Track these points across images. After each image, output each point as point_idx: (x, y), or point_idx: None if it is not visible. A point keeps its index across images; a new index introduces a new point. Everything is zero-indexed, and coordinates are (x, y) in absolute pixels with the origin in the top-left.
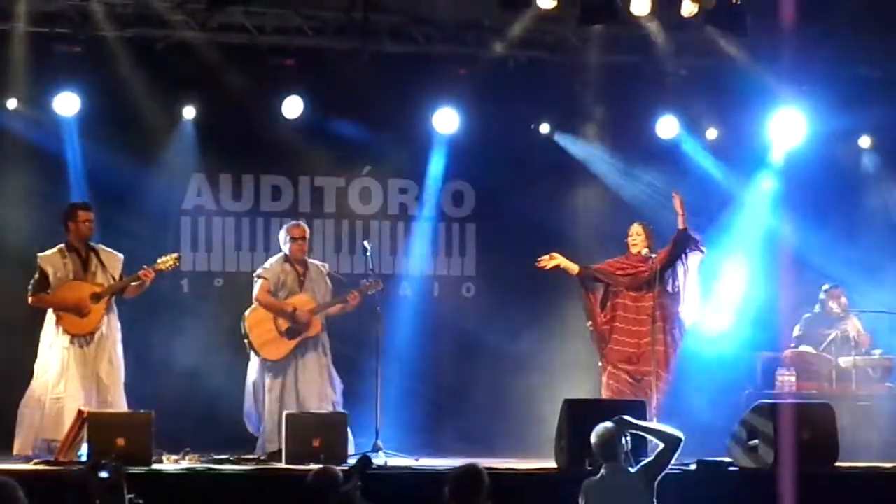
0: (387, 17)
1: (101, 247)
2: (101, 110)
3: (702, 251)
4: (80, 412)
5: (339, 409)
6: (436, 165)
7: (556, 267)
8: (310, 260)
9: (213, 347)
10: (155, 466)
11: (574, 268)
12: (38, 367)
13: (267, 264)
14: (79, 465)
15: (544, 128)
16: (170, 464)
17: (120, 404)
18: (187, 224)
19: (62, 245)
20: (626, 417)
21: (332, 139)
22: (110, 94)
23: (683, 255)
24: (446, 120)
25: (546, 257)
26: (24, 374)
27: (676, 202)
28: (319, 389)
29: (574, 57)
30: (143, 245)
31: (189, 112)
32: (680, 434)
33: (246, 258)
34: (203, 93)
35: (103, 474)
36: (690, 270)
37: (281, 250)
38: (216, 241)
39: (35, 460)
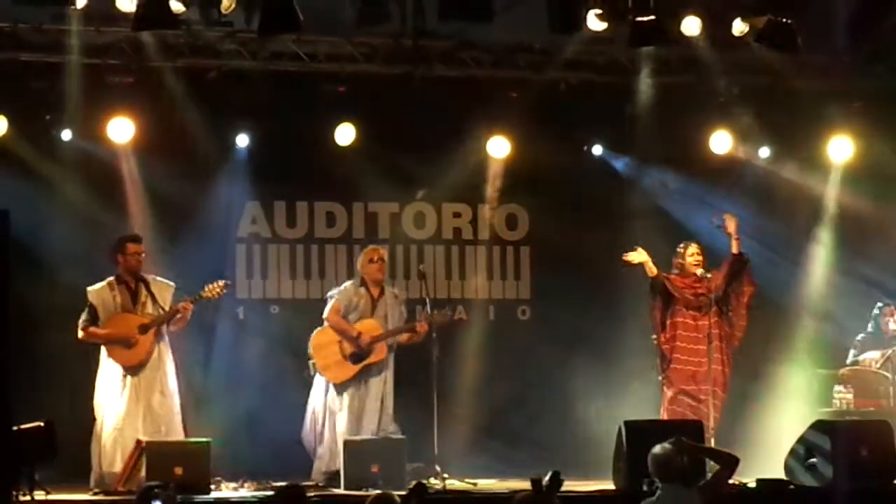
0: (437, 42)
1: (152, 277)
2: (155, 140)
3: (753, 284)
4: (138, 442)
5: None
6: (490, 189)
7: (637, 265)
8: (387, 287)
9: (270, 375)
10: (213, 495)
11: (654, 269)
12: (97, 400)
13: (342, 286)
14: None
15: (596, 149)
16: (228, 491)
17: (175, 433)
18: (242, 252)
19: (111, 278)
20: (684, 439)
21: (385, 164)
22: (163, 123)
23: (736, 283)
24: (499, 143)
25: (632, 252)
26: (89, 407)
27: (731, 225)
28: (379, 418)
29: (625, 78)
30: (200, 273)
31: (242, 140)
32: (737, 456)
33: (301, 285)
34: (256, 121)
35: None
36: (743, 297)
37: (340, 277)
38: (271, 268)
39: (95, 490)
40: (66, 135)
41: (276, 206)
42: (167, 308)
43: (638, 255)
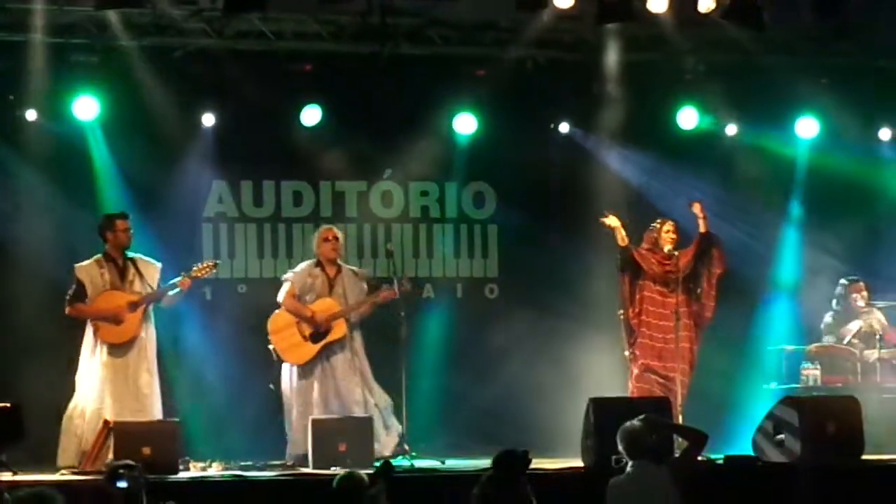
0: (404, 20)
1: (138, 256)
2: (120, 119)
3: (725, 265)
4: (105, 422)
5: (384, 410)
6: (456, 167)
7: (613, 229)
8: (345, 265)
9: (238, 354)
10: (182, 475)
11: (625, 239)
12: (79, 378)
13: (297, 268)
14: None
15: (564, 127)
16: (196, 471)
17: (156, 413)
18: (209, 231)
19: (99, 255)
20: (653, 416)
21: (352, 143)
22: (129, 103)
23: (706, 261)
24: (466, 121)
25: (609, 216)
26: (57, 388)
27: (696, 208)
28: (351, 392)
29: (592, 56)
30: (167, 253)
31: (209, 119)
32: (705, 432)
33: (268, 264)
34: (222, 100)
35: (122, 484)
36: (713, 278)
37: (308, 257)
38: (238, 247)
39: (62, 471)
40: (31, 115)
41: (242, 186)
42: (154, 286)
43: (611, 220)
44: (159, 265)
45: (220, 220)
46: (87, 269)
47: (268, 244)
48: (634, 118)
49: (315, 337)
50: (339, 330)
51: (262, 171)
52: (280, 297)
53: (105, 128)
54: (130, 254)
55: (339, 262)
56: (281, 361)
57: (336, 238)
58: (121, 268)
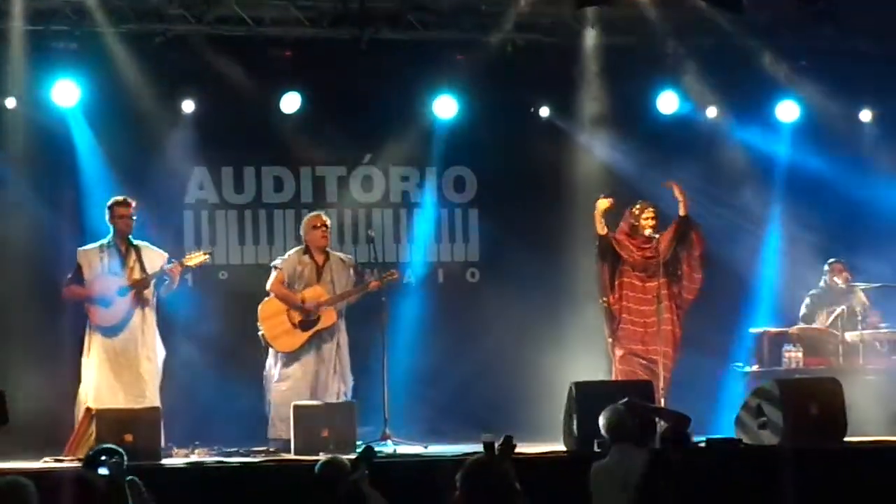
0: (383, 5)
1: (145, 244)
2: (100, 106)
3: (702, 240)
4: (87, 409)
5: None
6: (436, 152)
7: (599, 212)
8: (333, 252)
9: (220, 341)
10: (164, 461)
11: (604, 228)
12: (84, 369)
13: (286, 255)
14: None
15: (544, 111)
16: (179, 458)
17: (156, 401)
18: (190, 218)
19: (104, 240)
20: (635, 400)
21: (332, 128)
22: (108, 90)
23: (685, 243)
24: (446, 106)
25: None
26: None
27: (675, 190)
28: (331, 382)
29: (572, 39)
30: (148, 240)
31: (188, 106)
32: (687, 415)
33: (250, 251)
34: (202, 86)
35: (103, 471)
36: (694, 259)
37: (289, 242)
38: (220, 234)
39: (45, 458)
40: (11, 102)
41: (223, 172)
42: None
43: (603, 203)
44: (165, 255)
45: (201, 206)
46: (87, 253)
47: (249, 230)
48: (614, 102)
49: (304, 325)
50: (328, 318)
51: (243, 157)
52: (269, 285)
53: (85, 115)
54: (138, 241)
55: (327, 249)
56: (268, 348)
57: (325, 225)
58: (122, 254)
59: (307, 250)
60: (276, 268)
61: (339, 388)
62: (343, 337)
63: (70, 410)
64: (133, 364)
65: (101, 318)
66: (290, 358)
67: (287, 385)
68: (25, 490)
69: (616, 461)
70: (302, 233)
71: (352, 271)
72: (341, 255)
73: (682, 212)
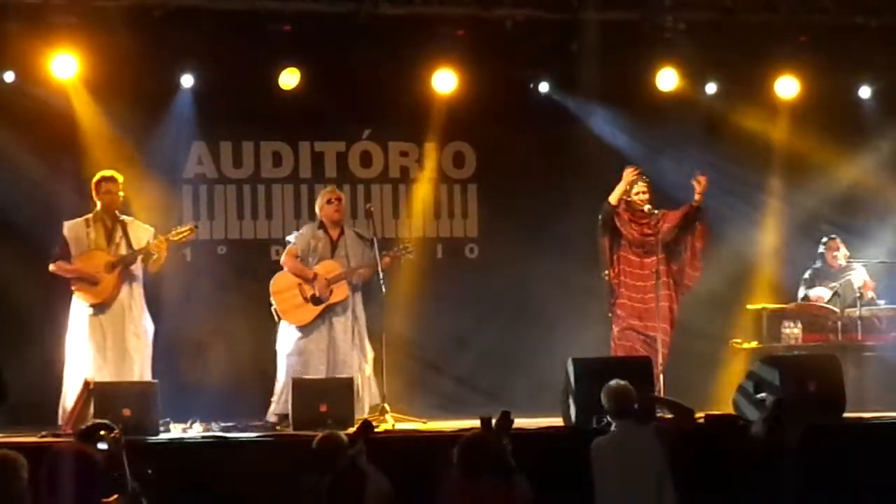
0: None
1: (131, 219)
2: (99, 81)
3: (707, 237)
4: (86, 382)
5: (368, 375)
6: (436, 127)
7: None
8: (349, 227)
9: (219, 315)
10: (162, 436)
11: (616, 198)
12: (69, 341)
13: (301, 230)
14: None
15: (543, 87)
16: (177, 432)
17: (146, 376)
18: (189, 192)
19: (89, 214)
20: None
21: (331, 103)
22: (107, 64)
23: (690, 231)
24: (445, 81)
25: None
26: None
27: (701, 181)
28: (350, 356)
29: (571, 15)
30: (146, 215)
31: (187, 80)
32: (691, 408)
33: (248, 226)
34: (201, 60)
35: (102, 445)
36: (697, 250)
37: (288, 217)
38: (218, 208)
39: (43, 432)
40: (9, 76)
41: (221, 147)
42: None
43: (629, 175)
44: (152, 230)
45: (200, 181)
46: (73, 227)
47: (247, 205)
48: (613, 78)
49: (316, 299)
50: (340, 292)
51: (241, 131)
52: (282, 259)
53: (84, 89)
54: (124, 216)
55: (342, 224)
56: (280, 321)
57: (339, 199)
58: (108, 229)
59: (321, 225)
60: (290, 243)
61: (359, 362)
62: (360, 309)
63: (56, 388)
64: (120, 341)
65: (90, 295)
66: (303, 332)
67: (299, 359)
68: (16, 463)
69: (618, 437)
70: (316, 208)
71: (366, 246)
72: (359, 230)
73: (695, 202)
